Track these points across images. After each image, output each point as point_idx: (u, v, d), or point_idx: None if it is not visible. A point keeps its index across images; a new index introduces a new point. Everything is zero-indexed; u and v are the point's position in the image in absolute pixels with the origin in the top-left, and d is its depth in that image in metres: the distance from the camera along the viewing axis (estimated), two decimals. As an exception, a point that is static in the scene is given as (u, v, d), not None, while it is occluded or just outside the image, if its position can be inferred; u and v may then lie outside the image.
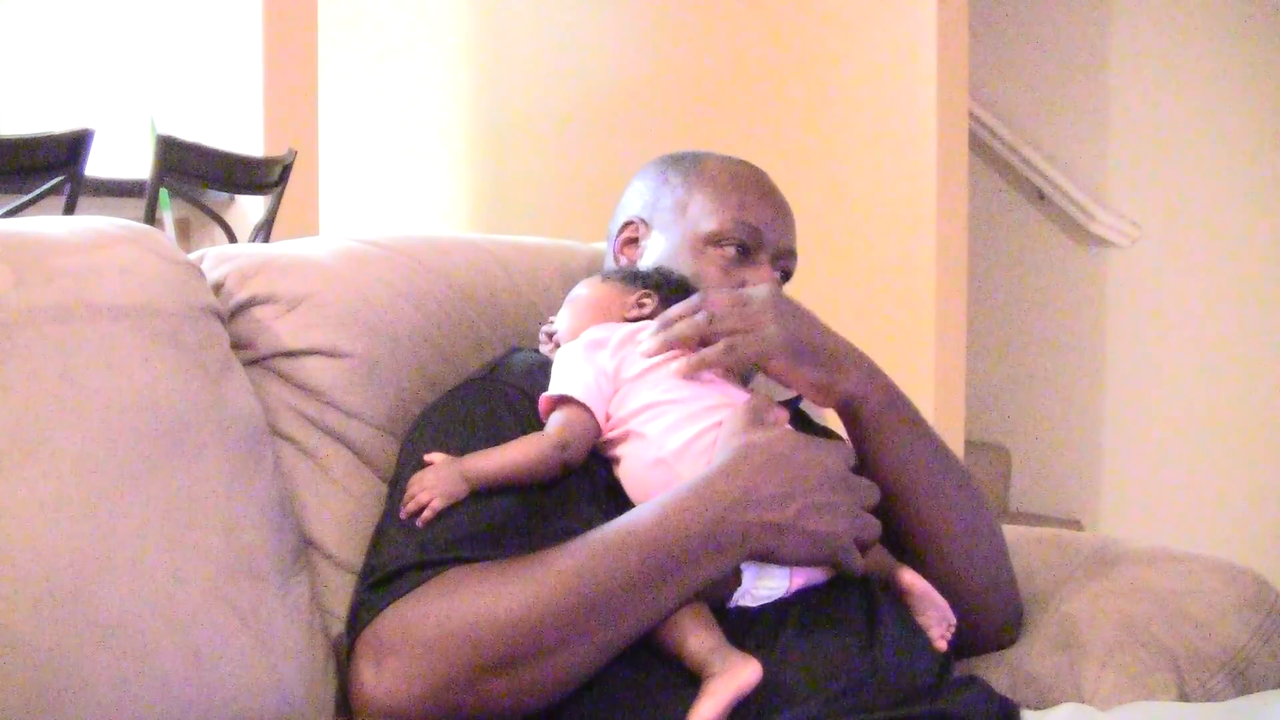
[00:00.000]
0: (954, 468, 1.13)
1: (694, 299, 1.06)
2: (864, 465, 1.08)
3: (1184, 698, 1.08)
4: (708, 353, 1.03)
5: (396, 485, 1.06)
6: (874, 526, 1.00)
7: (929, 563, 1.08)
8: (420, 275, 1.24)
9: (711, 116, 3.19)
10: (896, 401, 1.10)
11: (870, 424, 1.08)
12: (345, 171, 3.90)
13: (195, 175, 2.62)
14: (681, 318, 1.05)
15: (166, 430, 0.96)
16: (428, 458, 1.01)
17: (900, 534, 1.09)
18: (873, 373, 1.09)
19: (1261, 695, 1.05)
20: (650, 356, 1.04)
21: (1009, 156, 3.61)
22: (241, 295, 1.15)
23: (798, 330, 1.05)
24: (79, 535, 0.88)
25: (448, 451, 1.02)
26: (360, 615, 0.96)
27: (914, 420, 1.11)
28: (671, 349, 1.04)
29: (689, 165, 1.27)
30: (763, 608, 0.96)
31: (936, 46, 2.77)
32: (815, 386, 1.06)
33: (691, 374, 1.03)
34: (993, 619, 1.15)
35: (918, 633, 1.02)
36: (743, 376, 1.13)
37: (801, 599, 0.97)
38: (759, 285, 1.11)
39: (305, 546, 1.08)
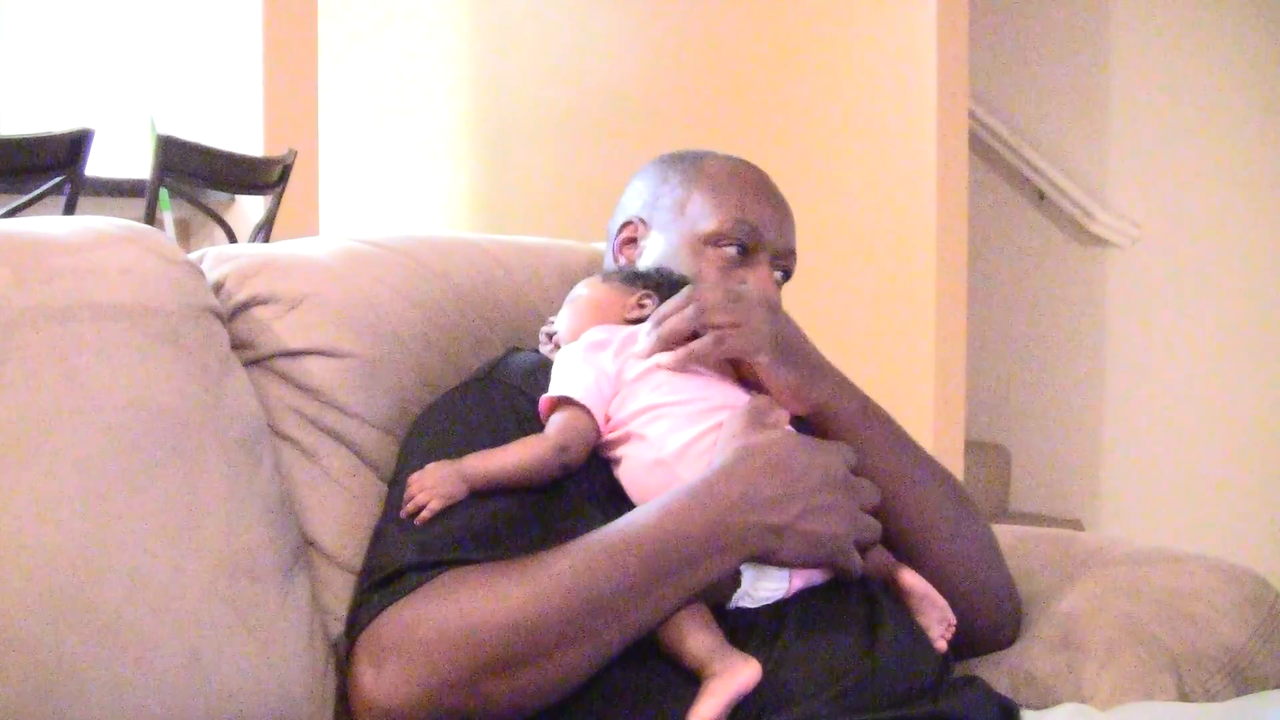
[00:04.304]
0: (935, 472, 1.13)
1: (684, 293, 1.06)
2: None
3: (1184, 698, 1.08)
4: (696, 345, 1.03)
5: (396, 485, 1.06)
6: (874, 528, 1.00)
7: (916, 566, 1.08)
8: (420, 275, 1.24)
9: (711, 116, 3.19)
10: (869, 411, 1.11)
11: (843, 432, 1.08)
12: (345, 171, 3.90)
13: (195, 175, 2.62)
14: (672, 314, 1.05)
15: (166, 430, 0.96)
16: (428, 466, 1.01)
17: (885, 539, 1.09)
18: (846, 385, 1.11)
19: (1261, 695, 1.05)
20: (646, 357, 1.04)
21: (1009, 156, 3.61)
22: (241, 295, 1.15)
23: (783, 331, 1.06)
24: (79, 535, 0.88)
25: (447, 452, 1.01)
26: (360, 616, 0.96)
27: (889, 427, 1.12)
28: (665, 347, 1.04)
29: (688, 164, 1.26)
30: (762, 608, 0.96)
31: (936, 46, 2.77)
32: (792, 390, 1.07)
33: (681, 367, 1.03)
34: (986, 620, 1.15)
35: (918, 633, 1.02)
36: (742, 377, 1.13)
37: (801, 600, 0.97)
38: (746, 285, 1.12)
39: (305, 546, 1.08)
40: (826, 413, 1.08)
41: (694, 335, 1.04)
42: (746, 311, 1.04)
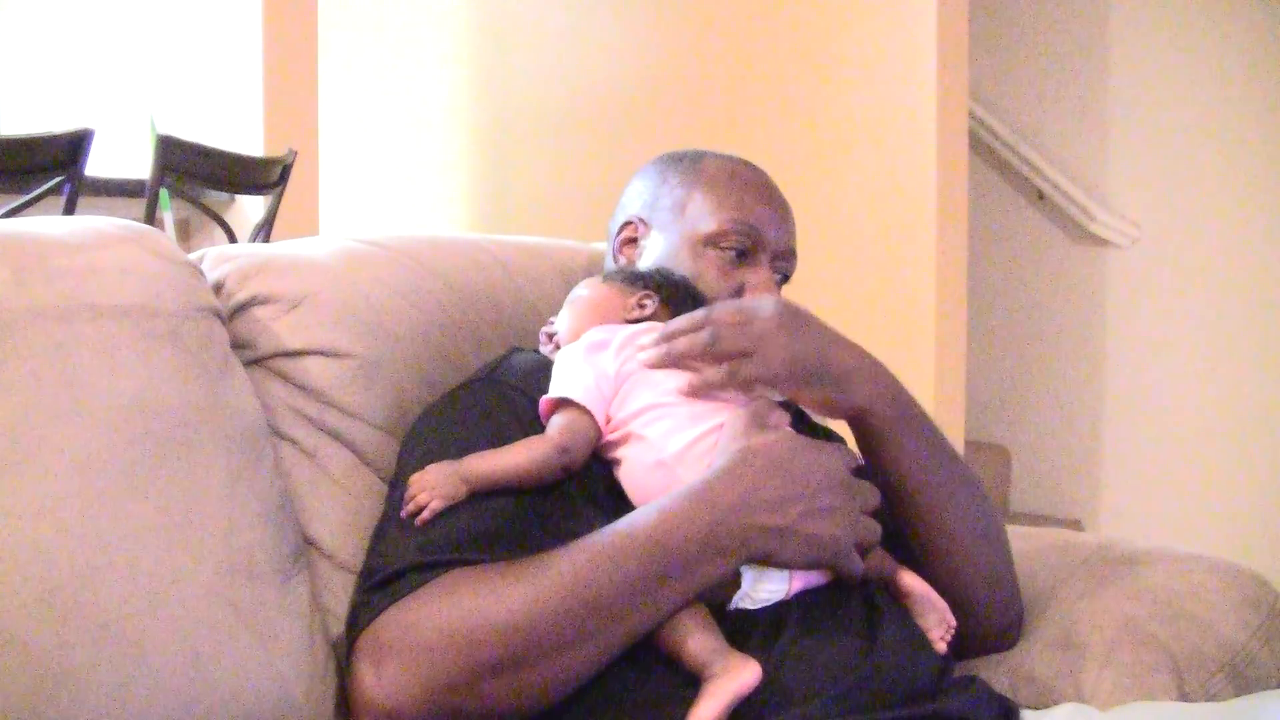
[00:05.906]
0: (962, 473, 1.12)
1: (698, 315, 1.03)
2: (873, 471, 1.07)
3: (1184, 698, 1.08)
4: (710, 376, 1.01)
5: (396, 486, 1.06)
6: (874, 530, 1.00)
7: (935, 565, 1.08)
8: (420, 275, 1.24)
9: (711, 116, 3.19)
10: (906, 410, 1.08)
11: (879, 434, 1.06)
12: (345, 171, 3.90)
13: (195, 175, 2.62)
14: (684, 333, 1.02)
15: (166, 430, 0.96)
16: (429, 467, 1.01)
17: (907, 537, 1.09)
18: (882, 382, 1.06)
19: (1261, 695, 1.05)
20: (651, 368, 1.03)
21: (1009, 156, 3.61)
22: (241, 295, 1.15)
23: (803, 349, 1.02)
24: (79, 535, 0.88)
25: (447, 453, 1.01)
26: (360, 617, 0.96)
27: (924, 427, 1.09)
28: (673, 364, 1.02)
29: (688, 164, 1.26)
30: (762, 610, 0.96)
31: (936, 46, 2.77)
32: (822, 405, 1.05)
33: (692, 395, 1.02)
34: (995, 621, 1.15)
35: (917, 634, 1.02)
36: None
37: (801, 601, 0.97)
38: (764, 298, 1.09)
39: (305, 546, 1.07)
40: (863, 421, 1.06)
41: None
42: (760, 336, 1.00)
